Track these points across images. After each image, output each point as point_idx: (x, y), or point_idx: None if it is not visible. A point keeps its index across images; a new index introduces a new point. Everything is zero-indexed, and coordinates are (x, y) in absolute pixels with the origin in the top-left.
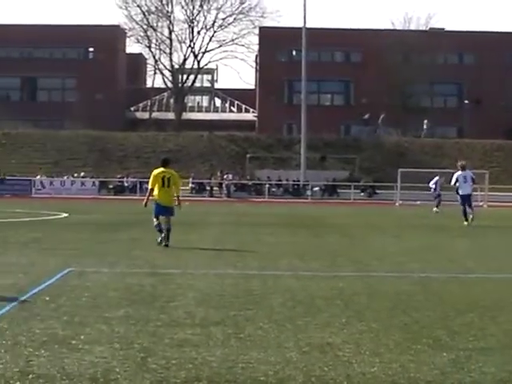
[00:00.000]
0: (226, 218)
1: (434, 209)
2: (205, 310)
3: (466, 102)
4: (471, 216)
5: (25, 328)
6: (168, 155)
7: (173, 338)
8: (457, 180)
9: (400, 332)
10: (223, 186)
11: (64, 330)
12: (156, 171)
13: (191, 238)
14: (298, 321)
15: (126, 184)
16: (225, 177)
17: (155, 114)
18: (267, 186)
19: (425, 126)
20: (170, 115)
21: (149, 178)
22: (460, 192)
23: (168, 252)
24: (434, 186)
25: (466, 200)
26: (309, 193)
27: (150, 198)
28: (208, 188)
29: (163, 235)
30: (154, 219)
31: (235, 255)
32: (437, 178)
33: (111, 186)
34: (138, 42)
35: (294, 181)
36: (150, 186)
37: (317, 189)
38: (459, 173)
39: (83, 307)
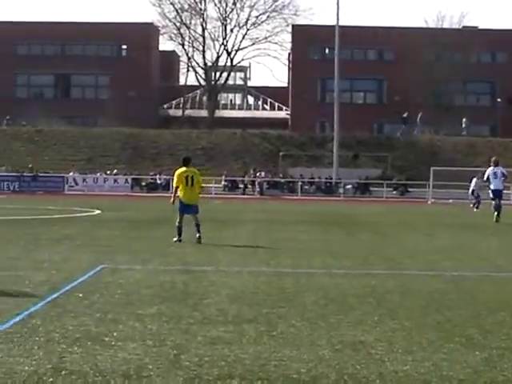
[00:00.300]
0: (258, 216)
1: (474, 209)
2: (237, 308)
3: (499, 100)
4: (496, 213)
5: (58, 325)
6: (189, 154)
7: (205, 335)
8: (489, 176)
9: (433, 330)
10: (256, 183)
11: (97, 327)
12: (179, 171)
13: (224, 235)
14: (331, 319)
15: (158, 181)
16: (257, 174)
17: (188, 112)
18: (300, 183)
19: (463, 125)
20: (203, 113)
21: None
22: (492, 187)
23: (201, 249)
24: (474, 188)
25: (497, 195)
26: (341, 191)
27: (176, 195)
28: (241, 186)
29: (181, 237)
30: (178, 219)
31: (268, 253)
32: (475, 180)
33: (144, 184)
34: (171, 39)
35: (326, 179)
36: (174, 185)
37: (349, 187)
38: (491, 168)
39: (116, 304)
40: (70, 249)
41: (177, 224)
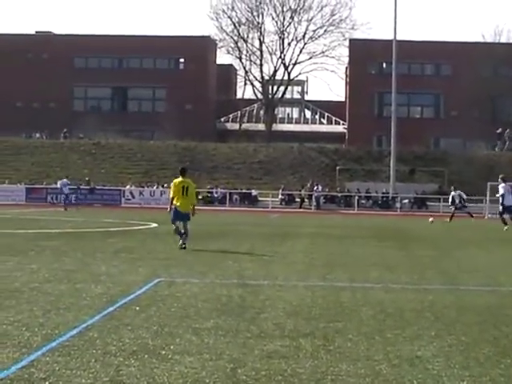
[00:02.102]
0: (315, 230)
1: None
2: (294, 322)
3: None
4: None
5: (115, 337)
6: (185, 165)
7: (262, 349)
8: (504, 192)
9: (490, 346)
10: (313, 197)
11: (154, 340)
12: (176, 181)
13: (281, 249)
14: (388, 333)
15: (215, 195)
16: (314, 188)
17: (245, 125)
18: (356, 198)
19: None
20: (260, 126)
21: (236, 189)
22: (506, 203)
23: (257, 263)
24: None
25: (510, 210)
26: (398, 205)
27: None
28: (298, 199)
29: (183, 237)
30: (173, 225)
31: (325, 267)
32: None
33: (201, 197)
34: (229, 53)
35: (383, 193)
36: (171, 195)
37: (406, 201)
38: (503, 185)
39: (173, 317)
40: (126, 262)
41: (173, 229)
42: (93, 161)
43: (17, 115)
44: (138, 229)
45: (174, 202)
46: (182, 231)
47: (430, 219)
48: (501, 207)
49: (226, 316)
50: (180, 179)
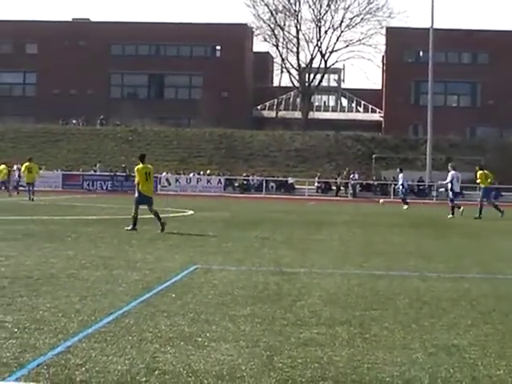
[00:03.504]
0: (351, 218)
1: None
2: (330, 310)
3: None
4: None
5: (151, 324)
6: (144, 152)
7: (298, 337)
8: (453, 179)
9: None
10: (349, 185)
11: (190, 327)
12: (139, 167)
13: (317, 237)
14: (424, 322)
15: (251, 182)
16: (351, 176)
17: (282, 113)
18: (393, 186)
19: None
20: (297, 114)
21: (273, 176)
22: (456, 189)
23: (294, 251)
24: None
25: (458, 196)
26: (434, 194)
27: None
28: (334, 187)
29: (136, 227)
30: (134, 210)
31: (361, 255)
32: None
33: (237, 184)
34: (266, 40)
35: (419, 181)
36: (137, 180)
37: (442, 190)
38: (453, 172)
39: (209, 305)
40: (163, 249)
41: (133, 214)
42: (129, 148)
43: (54, 102)
44: (173, 216)
45: (140, 187)
46: (152, 215)
47: (381, 201)
48: (451, 193)
49: (263, 303)
50: (142, 165)
